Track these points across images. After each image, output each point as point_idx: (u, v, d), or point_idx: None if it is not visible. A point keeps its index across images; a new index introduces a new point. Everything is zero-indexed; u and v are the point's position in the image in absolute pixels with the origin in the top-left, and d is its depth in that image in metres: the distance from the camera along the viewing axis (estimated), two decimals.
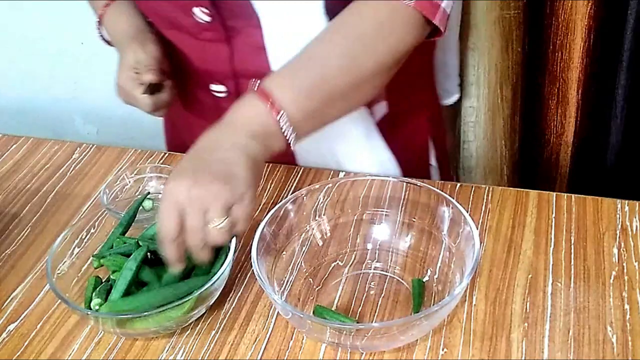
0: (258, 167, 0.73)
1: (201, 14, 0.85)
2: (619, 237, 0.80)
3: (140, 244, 0.75)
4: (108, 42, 0.99)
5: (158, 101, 0.90)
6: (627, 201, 0.84)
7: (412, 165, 1.04)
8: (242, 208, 0.70)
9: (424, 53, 0.94)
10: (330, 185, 0.81)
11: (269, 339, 0.72)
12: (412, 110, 1.02)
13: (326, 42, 0.77)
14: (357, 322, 0.73)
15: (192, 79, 0.96)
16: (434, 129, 1.08)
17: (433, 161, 1.08)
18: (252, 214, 0.72)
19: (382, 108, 0.97)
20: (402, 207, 0.80)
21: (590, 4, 1.10)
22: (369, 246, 0.81)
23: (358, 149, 0.97)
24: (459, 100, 1.29)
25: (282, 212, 0.78)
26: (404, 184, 0.80)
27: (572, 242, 0.80)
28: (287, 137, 0.73)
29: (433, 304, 0.72)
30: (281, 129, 0.72)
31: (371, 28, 0.77)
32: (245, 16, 0.84)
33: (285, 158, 0.93)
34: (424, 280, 0.77)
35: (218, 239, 0.70)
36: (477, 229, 0.74)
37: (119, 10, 0.95)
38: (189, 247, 0.71)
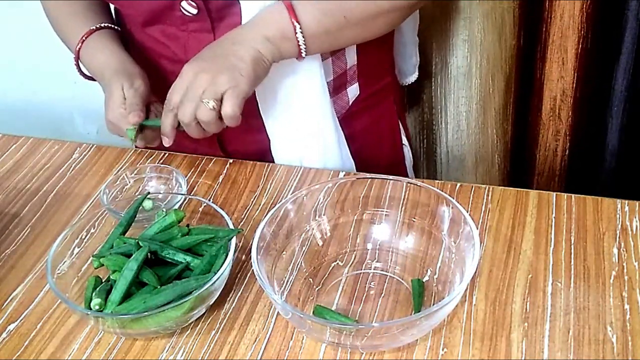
0: (264, 66, 0.84)
1: (189, 7, 0.88)
2: (619, 237, 0.80)
3: (141, 244, 0.75)
4: (88, 77, 0.99)
5: (146, 137, 0.92)
6: (627, 201, 0.84)
7: (386, 147, 1.09)
8: (234, 92, 0.81)
9: (388, 34, 0.98)
10: (330, 185, 0.81)
11: (269, 339, 0.72)
12: (380, 91, 1.06)
13: None
14: (357, 322, 0.73)
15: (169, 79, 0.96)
16: (400, 110, 1.12)
17: (404, 140, 1.12)
18: (240, 102, 0.82)
19: (354, 90, 1.01)
20: (402, 207, 0.80)
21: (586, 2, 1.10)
22: (369, 246, 0.81)
23: (321, 144, 0.98)
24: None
25: (282, 212, 0.78)
26: (404, 184, 0.80)
27: (572, 242, 0.80)
28: (300, 46, 0.84)
29: (433, 304, 0.72)
30: (296, 35, 0.83)
31: None
32: (229, 5, 0.87)
33: (261, 146, 0.98)
34: (424, 280, 0.77)
35: (205, 116, 0.82)
36: (477, 229, 0.74)
37: (98, 44, 0.95)
38: (181, 119, 0.84)
